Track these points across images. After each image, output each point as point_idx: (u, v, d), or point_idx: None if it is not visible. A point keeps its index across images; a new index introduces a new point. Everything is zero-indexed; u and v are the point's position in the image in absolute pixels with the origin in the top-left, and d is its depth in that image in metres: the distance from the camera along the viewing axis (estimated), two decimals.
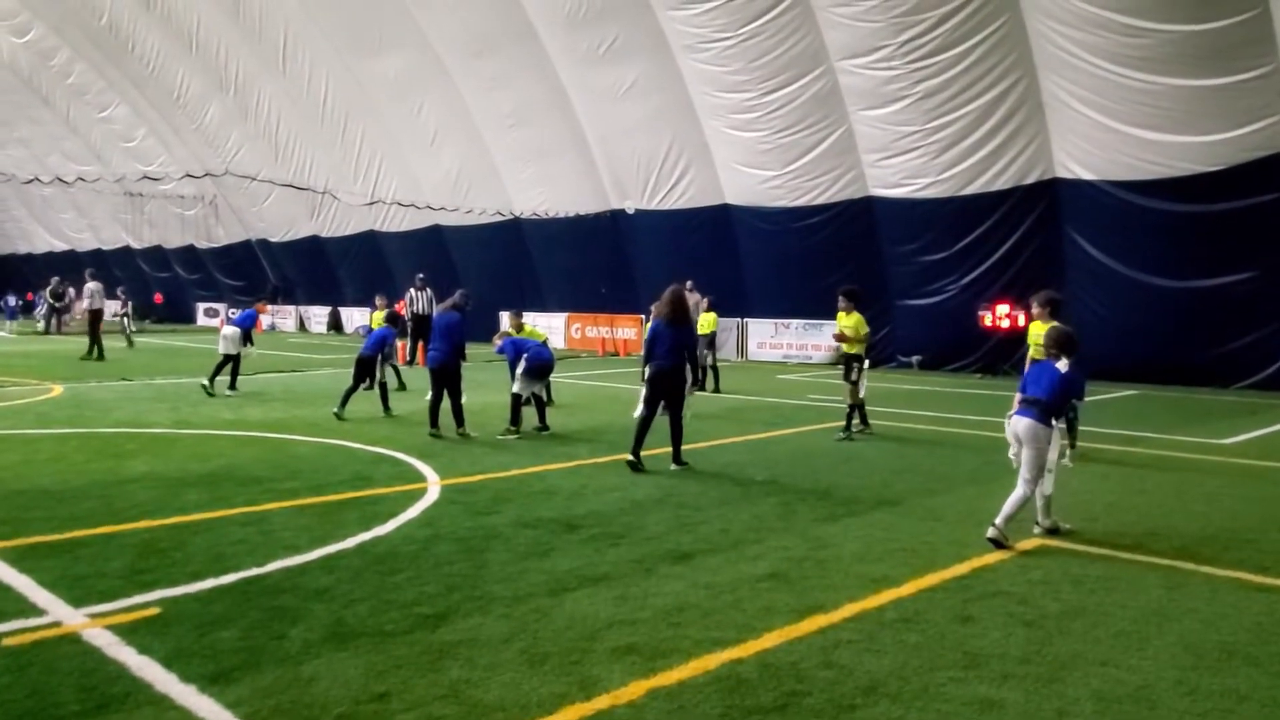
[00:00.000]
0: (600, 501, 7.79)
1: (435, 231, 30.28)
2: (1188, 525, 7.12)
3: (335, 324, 36.30)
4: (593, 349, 26.34)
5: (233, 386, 15.50)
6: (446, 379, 11.23)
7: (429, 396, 11.44)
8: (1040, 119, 18.09)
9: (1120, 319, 17.48)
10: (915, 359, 20.84)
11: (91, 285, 23.59)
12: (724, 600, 5.28)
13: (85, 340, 22.81)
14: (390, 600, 5.24)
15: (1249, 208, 16.20)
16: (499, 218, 27.65)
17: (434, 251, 30.05)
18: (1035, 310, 10.03)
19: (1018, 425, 6.80)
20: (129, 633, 4.68)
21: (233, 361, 15.59)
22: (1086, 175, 17.92)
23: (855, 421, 11.51)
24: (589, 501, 7.79)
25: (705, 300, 17.92)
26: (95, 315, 22.95)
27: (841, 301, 11.59)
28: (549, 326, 27.65)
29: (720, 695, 4.04)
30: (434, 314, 11.50)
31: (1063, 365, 6.77)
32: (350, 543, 6.40)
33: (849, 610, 5.11)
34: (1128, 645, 4.64)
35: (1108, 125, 17.05)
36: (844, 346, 11.74)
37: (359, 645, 4.58)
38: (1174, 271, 16.95)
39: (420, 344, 21.84)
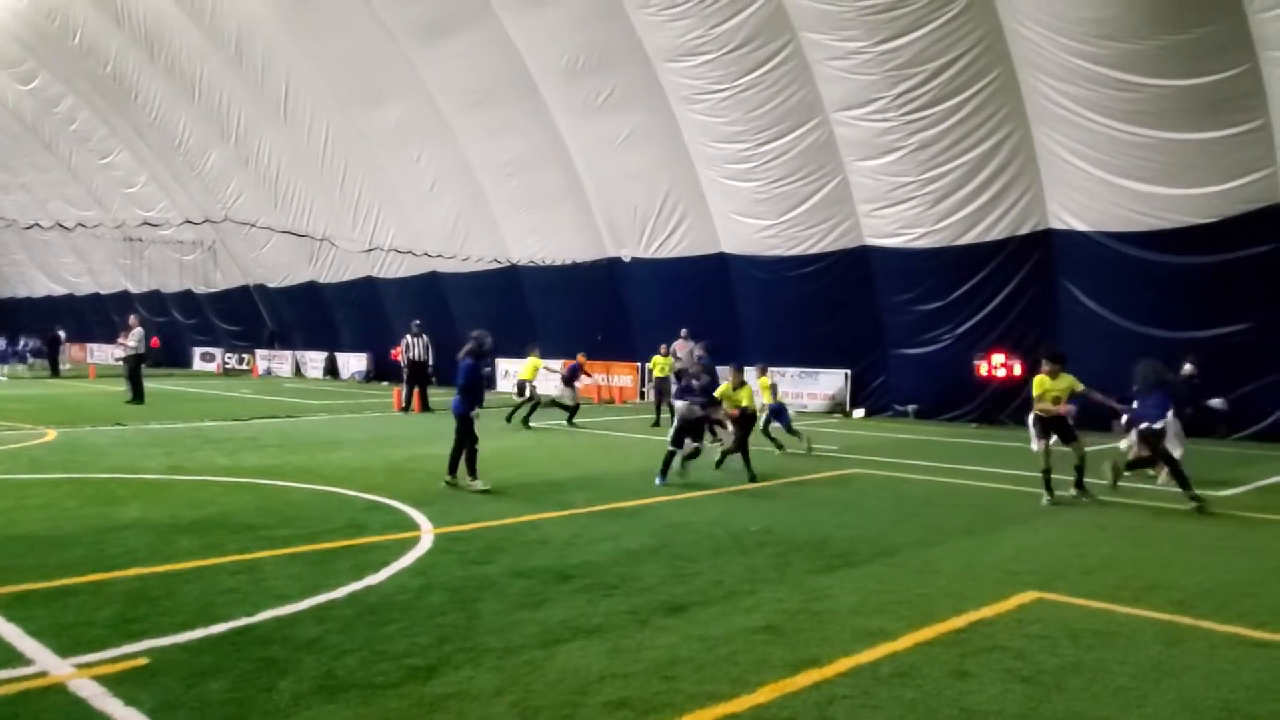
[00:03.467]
0: (594, 551, 7.73)
1: (433, 278, 30.39)
2: (1186, 579, 7.07)
3: (332, 369, 36.30)
4: (589, 396, 26.30)
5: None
6: (458, 426, 11.07)
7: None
8: (1034, 171, 18.27)
9: (1115, 370, 17.42)
10: (911, 408, 20.83)
11: (138, 330, 23.10)
12: (718, 653, 5.23)
13: (79, 383, 22.76)
14: (381, 651, 5.18)
15: (1242, 260, 16.32)
16: (496, 265, 27.77)
17: (431, 298, 30.14)
18: (1046, 368, 10.50)
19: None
20: (116, 683, 4.62)
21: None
22: (1080, 226, 18.06)
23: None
24: (582, 551, 7.73)
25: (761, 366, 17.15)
26: (138, 359, 22.92)
27: (1047, 365, 10.63)
28: (544, 375, 27.68)
29: None
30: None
31: None
32: (342, 592, 6.34)
33: (844, 665, 5.06)
34: (1126, 703, 4.59)
35: (1101, 177, 17.23)
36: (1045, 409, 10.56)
37: (349, 698, 4.53)
38: (1168, 323, 17.00)
39: (415, 391, 21.85)
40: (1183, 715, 4.44)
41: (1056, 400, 10.55)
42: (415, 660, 5.04)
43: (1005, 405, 19.34)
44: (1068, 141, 17.36)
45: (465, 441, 10.91)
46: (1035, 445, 10.66)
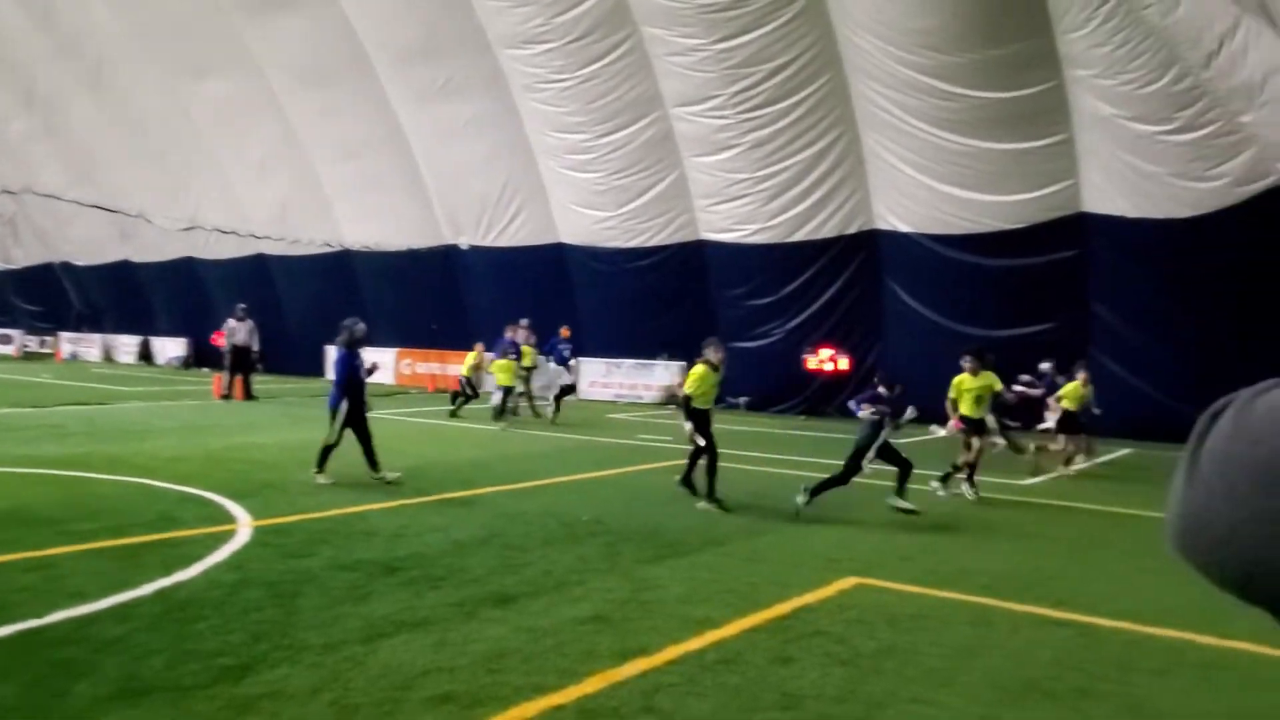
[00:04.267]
0: (422, 543, 7.55)
1: (260, 261, 29.05)
2: (994, 564, 7.48)
3: (146, 354, 34.22)
4: (422, 385, 25.78)
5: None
6: (343, 422, 10.48)
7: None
8: (861, 173, 18.98)
9: (932, 365, 18.32)
10: (743, 400, 21.31)
11: None
12: (545, 644, 5.18)
13: None
14: (190, 651, 4.89)
15: (1045, 264, 17.43)
16: (328, 249, 26.79)
17: (258, 282, 28.81)
18: (969, 365, 10.67)
19: None
20: None
21: None
22: (903, 228, 18.88)
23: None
24: (410, 543, 7.53)
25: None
26: None
27: (969, 362, 10.78)
28: (377, 363, 26.97)
29: None
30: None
31: None
32: (149, 589, 5.96)
33: (671, 653, 5.09)
34: (937, 682, 4.80)
35: (923, 182, 18.05)
36: (968, 411, 10.70)
37: (153, 701, 4.25)
38: (981, 321, 17.98)
39: (237, 378, 20.87)
40: (988, 692, 4.68)
41: (978, 400, 10.58)
42: (227, 659, 4.78)
43: (832, 398, 20.02)
44: (893, 146, 18.11)
45: (365, 433, 10.48)
46: (943, 432, 11.06)
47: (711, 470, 9.58)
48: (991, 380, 10.74)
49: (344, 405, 10.46)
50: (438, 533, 7.94)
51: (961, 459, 10.78)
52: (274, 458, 12.05)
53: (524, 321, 20.50)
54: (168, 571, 6.36)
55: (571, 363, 20.10)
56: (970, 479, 10.62)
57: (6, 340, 38.91)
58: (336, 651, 4.95)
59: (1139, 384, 16.79)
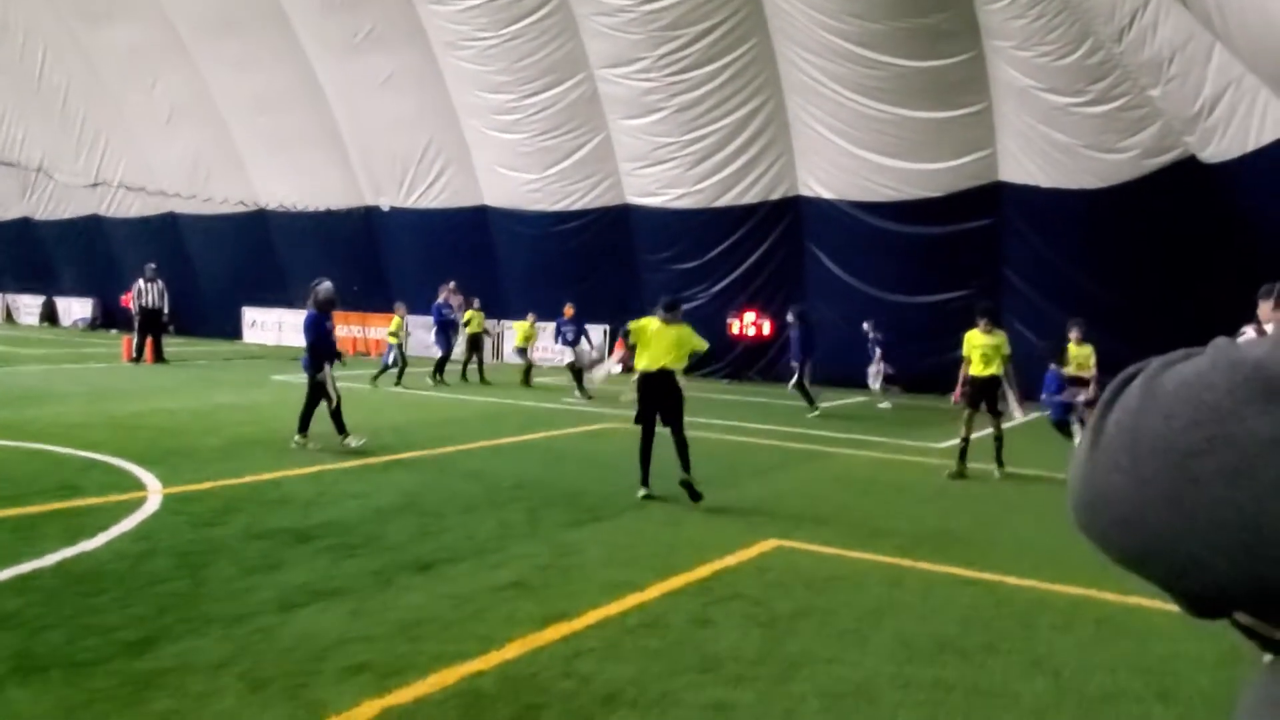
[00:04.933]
0: (339, 510, 7.41)
1: (170, 219, 28.12)
2: (908, 525, 7.63)
3: (50, 315, 32.96)
4: (343, 348, 25.29)
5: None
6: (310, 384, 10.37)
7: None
8: (786, 139, 19.03)
9: (853, 330, 18.66)
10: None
11: None
12: (465, 611, 5.13)
13: None
14: (90, 625, 4.72)
15: (963, 232, 17.73)
16: (242, 208, 26.02)
17: (168, 241, 27.89)
18: (981, 322, 10.13)
19: None
20: None
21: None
22: (826, 194, 19.02)
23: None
24: (327, 510, 7.39)
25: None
26: None
27: (983, 320, 10.25)
28: (294, 324, 26.45)
29: (458, 712, 3.90)
30: None
31: None
32: (48, 560, 5.74)
33: (592, 617, 5.09)
34: (851, 643, 4.88)
35: (845, 149, 18.17)
36: (976, 370, 10.05)
37: (49, 678, 4.09)
38: (901, 287, 18.27)
39: (148, 340, 20.24)
40: (900, 650, 4.77)
41: (986, 359, 9.95)
42: (129, 633, 4.63)
43: (755, 362, 20.21)
44: (817, 113, 18.17)
45: (315, 400, 10.33)
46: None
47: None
48: (1002, 341, 10.11)
49: (328, 368, 10.40)
50: (356, 499, 7.80)
51: (960, 434, 10.14)
52: (185, 423, 11.71)
53: (451, 284, 20.23)
54: (70, 542, 6.14)
55: (582, 345, 18.53)
56: (963, 456, 10.04)
57: None
58: (247, 623, 4.84)
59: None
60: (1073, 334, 11.38)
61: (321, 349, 10.48)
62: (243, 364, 20.81)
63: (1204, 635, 4.78)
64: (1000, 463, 10.15)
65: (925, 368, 18.22)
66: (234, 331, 27.61)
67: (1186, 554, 0.60)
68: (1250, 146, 13.50)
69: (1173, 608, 0.67)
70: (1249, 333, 7.72)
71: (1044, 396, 11.23)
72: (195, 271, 28.00)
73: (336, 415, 10.29)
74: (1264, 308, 7.68)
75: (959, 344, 17.17)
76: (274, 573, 5.70)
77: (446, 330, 18.88)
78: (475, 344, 19.07)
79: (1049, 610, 5.52)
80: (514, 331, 20.89)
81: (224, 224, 26.85)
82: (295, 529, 6.75)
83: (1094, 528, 0.66)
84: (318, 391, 10.34)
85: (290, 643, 4.58)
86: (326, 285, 10.93)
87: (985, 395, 10.07)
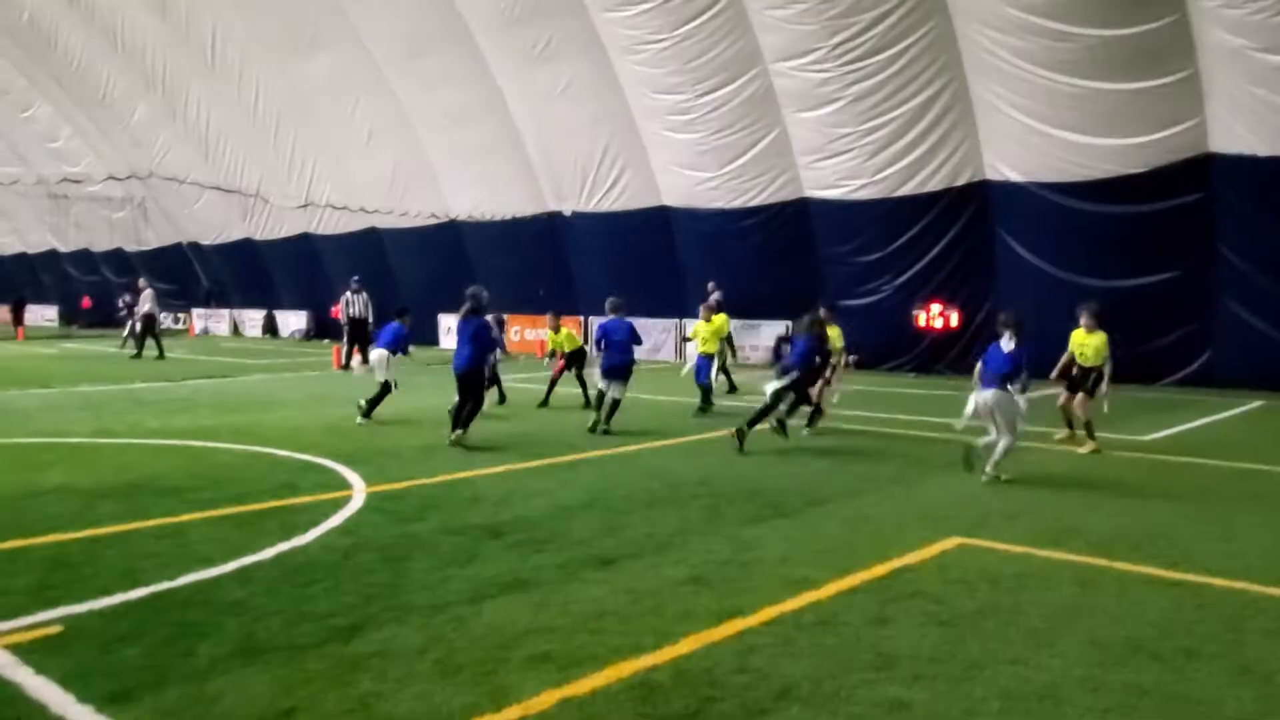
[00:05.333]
0: (527, 507, 7.73)
1: (372, 234, 29.92)
2: (1104, 522, 7.26)
3: (270, 328, 35.70)
4: (531, 352, 26.19)
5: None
6: (468, 385, 11.09)
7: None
8: (970, 121, 18.37)
9: (1048, 318, 17.71)
10: (852, 358, 20.97)
11: (147, 291, 24.88)
12: (644, 605, 5.27)
13: (6, 345, 22.25)
14: (305, 612, 5.14)
15: (1170, 209, 16.62)
16: (435, 220, 27.38)
17: (371, 254, 29.68)
18: (1085, 321, 10.85)
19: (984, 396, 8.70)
20: (28, 652, 4.53)
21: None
22: (1015, 177, 18.24)
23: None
24: (515, 507, 7.73)
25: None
26: (149, 319, 24.47)
27: (1086, 319, 11.00)
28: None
29: (632, 703, 4.02)
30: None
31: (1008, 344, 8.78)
32: (268, 553, 6.27)
33: (768, 614, 5.12)
34: (1038, 643, 4.71)
35: (1035, 128, 17.38)
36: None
37: (269, 660, 4.49)
38: (1099, 271, 17.29)
39: (354, 348, 21.58)
40: (1090, 653, 4.57)
41: (1083, 357, 10.79)
42: (339, 620, 5.01)
43: (943, 354, 19.62)
44: (1003, 92, 17.47)
45: (474, 399, 11.02)
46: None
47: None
48: (1103, 343, 10.82)
49: (491, 363, 11.29)
50: (542, 497, 8.12)
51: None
52: (388, 427, 12.46)
53: (710, 284, 19.96)
54: (286, 536, 6.69)
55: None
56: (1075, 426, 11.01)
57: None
58: (442, 612, 5.14)
59: (1270, 332, 15.96)
60: (1082, 320, 10.96)
61: (485, 350, 11.31)
62: (440, 369, 21.86)
63: None
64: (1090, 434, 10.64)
65: (1129, 357, 17.20)
66: (432, 338, 29.07)
67: None
68: None
69: None
70: None
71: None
72: (395, 282, 29.65)
73: (472, 414, 10.91)
74: None
75: (1165, 331, 16.28)
76: (467, 566, 6.03)
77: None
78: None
79: (1260, 614, 5.15)
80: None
81: (420, 236, 28.33)
82: (487, 525, 7.10)
83: None
84: (472, 390, 10.98)
85: (481, 632, 4.84)
86: (485, 293, 11.89)
87: (1086, 383, 10.81)
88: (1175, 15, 15.26)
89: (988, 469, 8.65)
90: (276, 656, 4.52)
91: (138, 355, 23.95)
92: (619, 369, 12.03)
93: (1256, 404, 14.57)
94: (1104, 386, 10.63)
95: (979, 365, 9.13)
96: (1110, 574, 5.89)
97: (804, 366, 10.83)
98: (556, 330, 15.59)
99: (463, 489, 8.47)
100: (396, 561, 6.12)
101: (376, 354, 13.28)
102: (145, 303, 24.63)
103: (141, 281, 26.40)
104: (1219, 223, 16.46)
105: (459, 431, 10.77)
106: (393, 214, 27.29)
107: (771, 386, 10.68)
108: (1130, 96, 16.29)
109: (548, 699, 4.05)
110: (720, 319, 14.73)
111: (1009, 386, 8.61)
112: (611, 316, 12.49)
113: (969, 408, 8.84)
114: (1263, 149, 15.50)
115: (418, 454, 10.31)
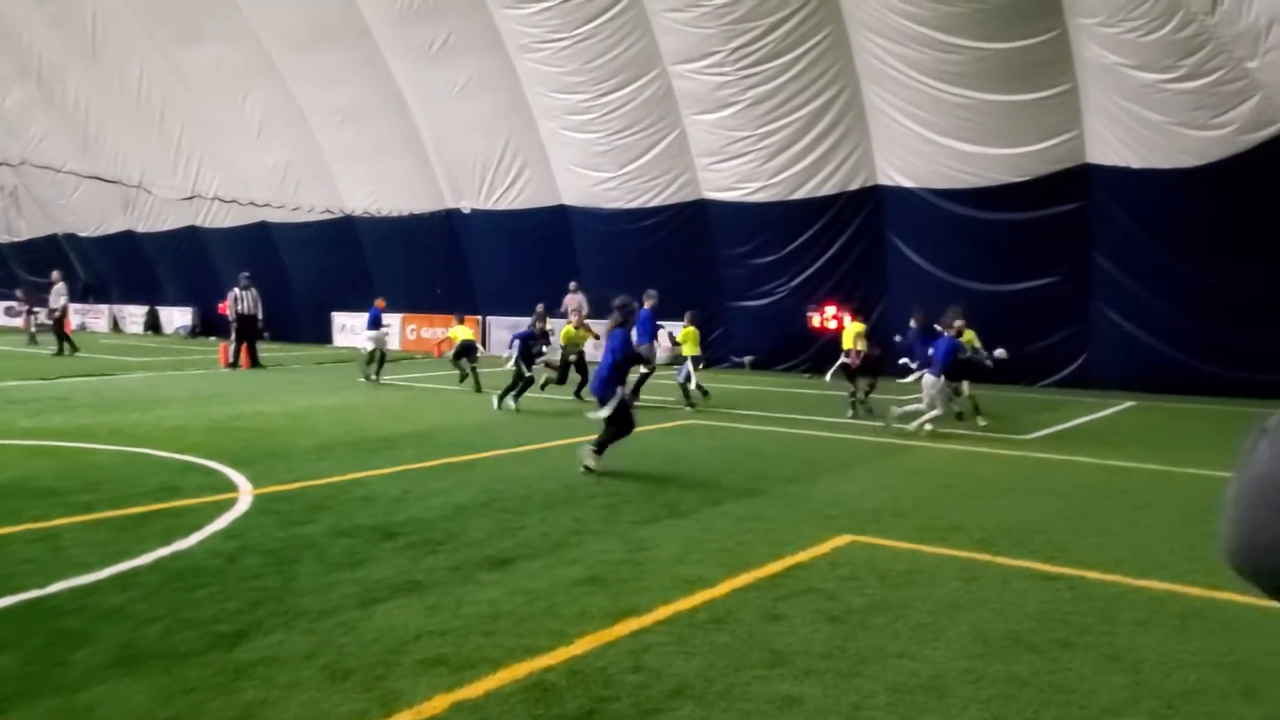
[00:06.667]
0: (422, 507, 7.62)
1: (262, 228, 29.05)
2: (988, 518, 7.52)
3: (153, 324, 34.36)
4: (429, 350, 25.83)
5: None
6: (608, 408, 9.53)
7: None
8: (863, 128, 18.81)
9: (936, 320, 18.35)
10: (747, 359, 21.33)
11: (60, 285, 24.58)
12: (539, 606, 5.24)
13: None
14: (187, 619, 4.97)
15: (1050, 217, 17.29)
16: (330, 216, 26.75)
17: (261, 249, 28.83)
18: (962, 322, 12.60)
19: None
20: None
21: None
22: (906, 183, 18.74)
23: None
24: (410, 508, 7.60)
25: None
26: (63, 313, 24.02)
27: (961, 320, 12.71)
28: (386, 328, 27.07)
29: (526, 705, 4.00)
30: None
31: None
32: (148, 558, 6.04)
33: (662, 613, 5.15)
34: (924, 637, 4.85)
35: (924, 136, 17.88)
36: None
37: (148, 669, 4.32)
38: (985, 276, 17.90)
39: (243, 346, 20.96)
40: (973, 645, 4.73)
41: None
42: (223, 626, 4.86)
43: (836, 355, 19.99)
44: (894, 100, 17.92)
45: (613, 422, 9.39)
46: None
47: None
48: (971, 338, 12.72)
49: (619, 391, 9.42)
50: (438, 497, 8.01)
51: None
52: (278, 426, 12.14)
53: (572, 285, 20.97)
54: (168, 541, 6.45)
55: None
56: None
57: (15, 313, 38.84)
58: (332, 617, 5.03)
59: (1141, 336, 16.75)
60: (960, 322, 12.64)
61: (626, 365, 9.60)
62: (333, 367, 21.42)
63: None
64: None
65: (1012, 359, 17.86)
66: (325, 336, 28.43)
67: None
68: None
69: (1263, 602, 0.75)
70: None
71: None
72: (287, 278, 28.88)
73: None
74: None
75: (1046, 334, 17.22)
76: (358, 569, 5.90)
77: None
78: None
79: (1131, 605, 5.40)
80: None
81: (313, 231, 27.64)
82: (379, 526, 6.97)
83: (1245, 563, 0.78)
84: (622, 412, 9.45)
85: (371, 636, 4.75)
86: (635, 303, 10.50)
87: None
88: (1055, 31, 15.89)
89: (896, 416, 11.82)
90: (156, 665, 4.36)
91: (59, 353, 23.37)
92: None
93: (1129, 404, 15.28)
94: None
95: (930, 352, 12.03)
96: (993, 568, 6.10)
97: (946, 367, 11.90)
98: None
99: (355, 490, 8.30)
100: (284, 565, 5.97)
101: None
102: (59, 297, 24.02)
103: (55, 274, 25.55)
104: (1094, 231, 17.21)
105: (592, 456, 9.19)
106: (285, 208, 26.53)
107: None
108: (1014, 108, 16.90)
109: (440, 703, 4.00)
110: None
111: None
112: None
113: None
114: (1135, 161, 16.24)
115: (309, 454, 10.06)
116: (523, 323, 22.10)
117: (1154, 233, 16.38)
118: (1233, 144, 15.18)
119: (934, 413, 11.82)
